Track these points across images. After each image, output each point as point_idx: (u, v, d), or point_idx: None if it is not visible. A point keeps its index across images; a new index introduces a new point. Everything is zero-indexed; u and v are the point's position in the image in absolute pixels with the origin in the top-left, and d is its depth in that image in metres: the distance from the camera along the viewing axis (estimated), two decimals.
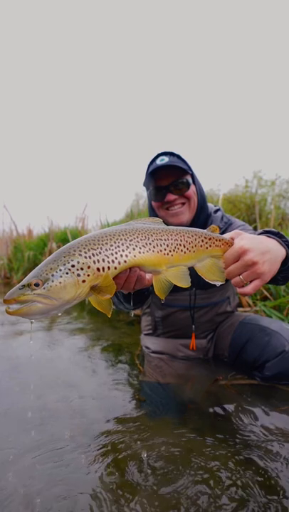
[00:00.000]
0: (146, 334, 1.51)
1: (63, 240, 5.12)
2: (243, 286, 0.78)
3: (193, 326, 1.26)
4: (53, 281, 0.61)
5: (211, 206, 1.32)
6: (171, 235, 0.75)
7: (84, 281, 0.63)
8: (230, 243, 0.80)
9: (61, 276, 0.62)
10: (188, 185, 1.14)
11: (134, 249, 0.69)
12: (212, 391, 1.16)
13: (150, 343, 1.46)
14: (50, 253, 5.15)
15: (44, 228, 5.81)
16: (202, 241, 0.78)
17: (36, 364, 1.55)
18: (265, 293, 2.12)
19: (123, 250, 0.68)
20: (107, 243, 0.67)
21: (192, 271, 1.01)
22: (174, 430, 0.92)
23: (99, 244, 0.66)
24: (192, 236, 0.77)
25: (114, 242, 0.68)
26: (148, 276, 0.78)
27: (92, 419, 1.01)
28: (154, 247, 0.71)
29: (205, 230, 0.81)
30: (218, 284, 0.79)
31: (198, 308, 1.27)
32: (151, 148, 1.21)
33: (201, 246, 0.78)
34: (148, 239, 0.71)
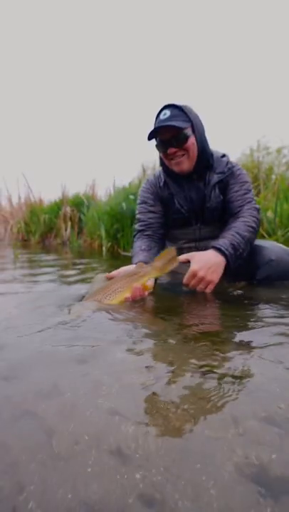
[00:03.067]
0: None
1: (77, 203, 5.41)
2: (204, 290, 1.17)
3: None
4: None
5: (216, 151, 1.46)
6: (115, 284, 1.10)
7: None
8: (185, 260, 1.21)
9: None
10: (186, 139, 1.27)
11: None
12: (218, 291, 1.28)
13: None
14: (65, 216, 5.52)
15: (58, 194, 6.09)
16: (132, 280, 1.12)
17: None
18: (262, 232, 2.49)
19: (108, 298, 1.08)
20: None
21: (198, 209, 1.43)
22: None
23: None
24: (125, 279, 1.12)
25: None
26: (146, 293, 1.14)
27: None
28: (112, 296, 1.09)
29: (133, 270, 1.16)
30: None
31: (203, 240, 1.51)
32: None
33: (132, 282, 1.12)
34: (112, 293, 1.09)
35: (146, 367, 0.61)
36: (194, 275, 1.16)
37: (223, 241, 1.24)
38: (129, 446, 0.40)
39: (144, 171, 5.51)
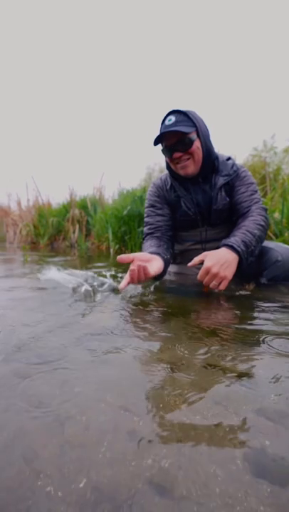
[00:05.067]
0: None
1: (84, 207, 5.48)
2: (218, 287, 1.16)
3: None
4: None
5: (222, 155, 1.49)
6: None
7: None
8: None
9: None
10: (191, 143, 1.31)
11: None
12: (227, 292, 1.35)
13: (170, 267, 1.75)
14: (73, 219, 5.60)
15: (66, 196, 6.18)
16: None
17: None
18: (270, 234, 2.49)
19: None
20: None
21: (204, 211, 1.44)
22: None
23: None
24: None
25: None
26: (152, 272, 1.16)
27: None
28: None
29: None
30: None
31: (210, 242, 1.55)
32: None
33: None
34: None
35: (156, 362, 0.64)
36: (208, 272, 1.16)
37: (235, 239, 1.25)
38: (139, 434, 0.43)
39: (149, 173, 5.57)
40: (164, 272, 1.34)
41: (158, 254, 1.29)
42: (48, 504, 0.33)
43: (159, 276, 1.34)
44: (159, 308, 1.09)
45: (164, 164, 4.63)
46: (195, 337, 0.79)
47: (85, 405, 0.49)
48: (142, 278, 1.13)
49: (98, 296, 1.24)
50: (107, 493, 0.34)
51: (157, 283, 1.54)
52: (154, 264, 1.21)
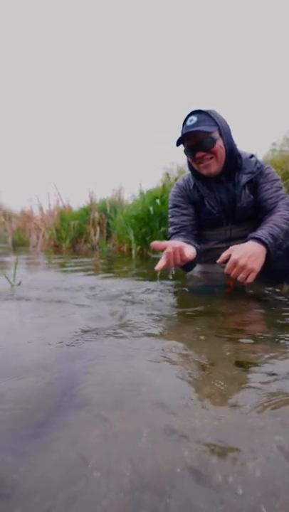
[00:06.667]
0: None
1: (104, 209, 5.57)
2: (245, 280, 1.14)
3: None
4: None
5: (244, 153, 1.48)
6: None
7: None
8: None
9: None
10: (213, 142, 1.31)
11: None
12: (257, 292, 1.35)
13: (196, 266, 1.72)
14: (94, 222, 5.70)
15: (86, 199, 6.30)
16: None
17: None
18: None
19: None
20: None
21: (228, 210, 1.45)
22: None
23: None
24: None
25: None
26: (188, 254, 1.14)
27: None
28: None
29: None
30: None
31: (234, 240, 1.51)
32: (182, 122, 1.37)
33: None
34: None
35: (187, 360, 0.65)
36: (235, 264, 1.14)
37: (262, 231, 1.23)
38: (177, 424, 0.44)
39: (167, 174, 5.54)
40: (196, 261, 1.34)
41: (188, 243, 1.29)
42: (95, 490, 0.35)
43: (190, 265, 1.34)
44: (187, 308, 1.10)
45: (181, 163, 4.61)
46: (223, 335, 0.79)
47: (124, 398, 0.52)
48: (177, 260, 1.12)
49: (128, 296, 1.26)
50: (149, 480, 0.36)
51: (181, 280, 1.55)
52: (188, 250, 1.19)
